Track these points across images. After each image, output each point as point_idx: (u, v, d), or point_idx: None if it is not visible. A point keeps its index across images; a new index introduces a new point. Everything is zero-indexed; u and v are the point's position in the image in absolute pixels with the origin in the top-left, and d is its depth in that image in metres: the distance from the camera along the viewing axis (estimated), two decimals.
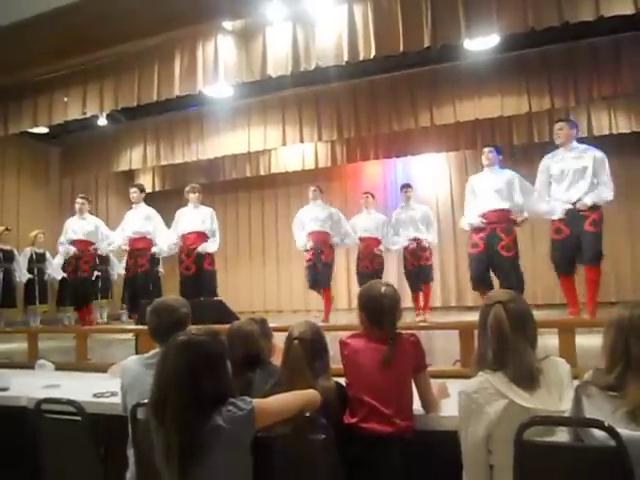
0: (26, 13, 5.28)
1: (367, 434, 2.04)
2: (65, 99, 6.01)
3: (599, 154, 4.60)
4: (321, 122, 7.57)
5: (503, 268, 4.89)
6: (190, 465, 1.57)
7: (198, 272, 6.16)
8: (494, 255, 4.89)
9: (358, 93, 7.41)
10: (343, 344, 2.25)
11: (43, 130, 8.05)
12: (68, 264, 6.74)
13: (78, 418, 2.13)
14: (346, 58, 4.76)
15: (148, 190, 9.31)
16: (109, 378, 3.31)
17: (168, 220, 6.52)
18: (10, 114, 6.40)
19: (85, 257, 6.63)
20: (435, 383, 2.34)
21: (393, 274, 8.01)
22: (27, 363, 4.09)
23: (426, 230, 6.70)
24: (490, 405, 1.67)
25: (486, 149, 5.32)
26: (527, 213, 5.08)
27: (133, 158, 8.57)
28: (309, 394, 1.88)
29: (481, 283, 5.01)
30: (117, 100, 5.75)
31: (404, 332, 2.26)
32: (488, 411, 1.66)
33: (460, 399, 1.76)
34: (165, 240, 6.36)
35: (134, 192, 6.57)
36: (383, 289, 2.19)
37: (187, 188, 6.52)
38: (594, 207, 4.49)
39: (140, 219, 6.40)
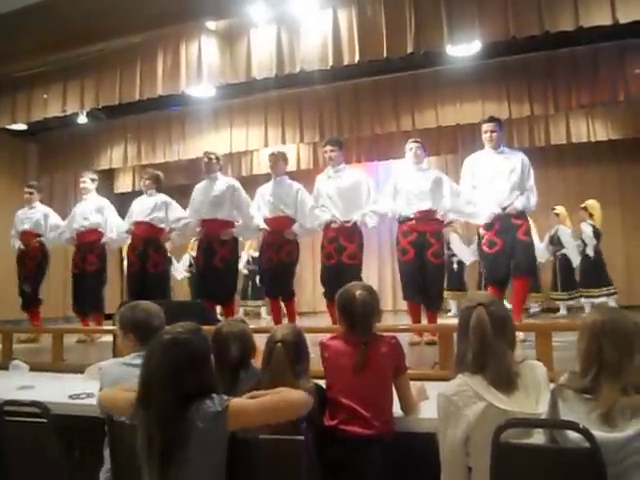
0: (5, 8, 5.19)
1: (347, 436, 2.05)
2: (45, 96, 5.92)
3: (526, 159, 4.45)
4: (303, 124, 7.58)
5: (431, 277, 4.50)
6: (170, 459, 1.59)
7: (142, 273, 5.41)
8: (424, 262, 4.49)
9: (341, 96, 7.43)
10: (323, 346, 2.26)
11: (21, 127, 7.90)
12: (18, 260, 6.11)
13: (44, 420, 2.09)
14: (331, 63, 4.77)
15: (128, 189, 9.26)
16: (85, 379, 3.27)
17: None
18: None
19: (31, 252, 6.03)
20: (414, 385, 2.36)
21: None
22: (1, 364, 4.02)
23: (359, 207, 4.79)
24: (469, 408, 1.68)
25: (414, 144, 4.71)
26: (453, 215, 4.81)
27: (113, 157, 8.46)
28: (297, 398, 1.78)
29: (417, 293, 4.55)
30: (98, 98, 5.68)
31: (385, 334, 2.28)
32: (467, 413, 1.68)
33: (439, 401, 1.78)
34: (115, 228, 5.80)
35: (83, 182, 6.07)
36: (357, 293, 2.20)
37: None
38: (522, 216, 4.33)
39: (90, 210, 5.89)
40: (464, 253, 7.37)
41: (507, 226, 4.29)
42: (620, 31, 5.02)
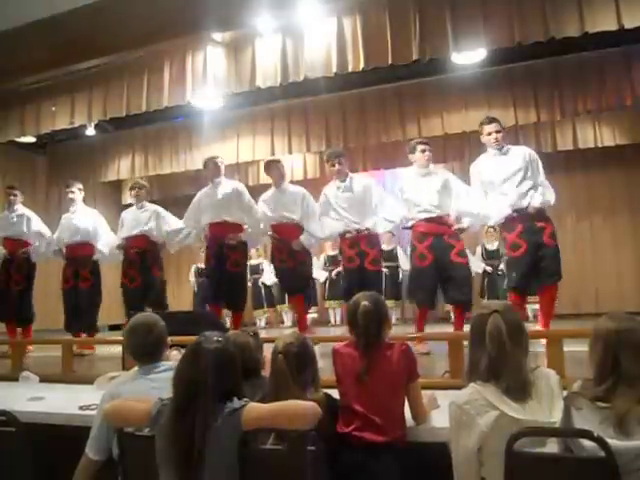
0: (15, 23, 5.26)
1: (361, 443, 2.05)
2: (53, 108, 5.97)
3: (532, 153, 4.27)
4: (310, 133, 7.60)
5: (457, 279, 4.30)
6: (202, 458, 1.68)
7: (144, 282, 5.35)
8: (446, 264, 4.31)
9: (347, 105, 7.45)
10: (336, 353, 2.27)
11: (30, 139, 7.98)
12: (0, 268, 5.81)
13: (12, 429, 2.11)
14: (335, 69, 4.78)
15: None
16: (95, 390, 3.26)
17: None
18: None
19: (16, 261, 5.74)
20: (424, 394, 2.35)
21: None
22: (11, 375, 4.03)
23: (372, 214, 4.71)
24: (481, 416, 1.67)
25: (425, 146, 4.56)
26: (465, 221, 4.56)
27: (121, 168, 8.52)
28: (306, 409, 1.78)
29: (430, 299, 4.47)
30: (106, 110, 5.71)
31: (395, 342, 2.27)
32: (479, 422, 1.66)
33: (451, 410, 1.76)
34: (107, 244, 5.63)
35: (70, 191, 5.78)
36: (362, 304, 2.21)
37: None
38: (545, 217, 4.13)
39: (80, 222, 5.67)
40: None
41: (530, 228, 4.08)
42: (626, 36, 5.00)
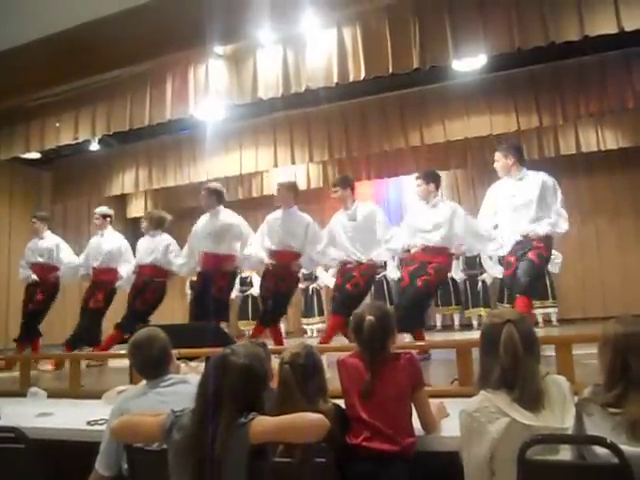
0: (19, 40, 5.31)
1: (370, 454, 2.03)
2: (57, 124, 6.01)
3: (548, 180, 4.28)
4: (312, 143, 7.62)
5: (404, 297, 4.49)
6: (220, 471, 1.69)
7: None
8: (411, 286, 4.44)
9: (348, 114, 7.47)
10: (341, 364, 2.25)
11: (35, 155, 8.03)
12: (26, 291, 6.11)
13: (21, 446, 2.11)
14: (336, 79, 4.80)
15: (140, 214, 9.32)
16: (103, 405, 3.25)
17: None
18: (1, 139, 6.38)
19: (44, 285, 6.02)
20: (432, 403, 2.33)
21: None
22: (19, 391, 4.02)
23: (376, 245, 4.84)
24: (492, 424, 1.65)
25: (417, 180, 4.72)
26: (465, 244, 4.65)
27: (125, 182, 8.56)
28: (314, 421, 1.76)
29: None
30: (109, 125, 5.74)
31: (400, 351, 2.26)
32: (490, 430, 1.65)
33: (461, 419, 1.75)
34: (126, 270, 5.87)
35: (97, 218, 6.07)
36: (367, 318, 2.19)
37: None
38: (545, 242, 4.14)
39: (106, 248, 5.94)
40: None
41: (525, 248, 4.14)
42: (626, 39, 5.00)
